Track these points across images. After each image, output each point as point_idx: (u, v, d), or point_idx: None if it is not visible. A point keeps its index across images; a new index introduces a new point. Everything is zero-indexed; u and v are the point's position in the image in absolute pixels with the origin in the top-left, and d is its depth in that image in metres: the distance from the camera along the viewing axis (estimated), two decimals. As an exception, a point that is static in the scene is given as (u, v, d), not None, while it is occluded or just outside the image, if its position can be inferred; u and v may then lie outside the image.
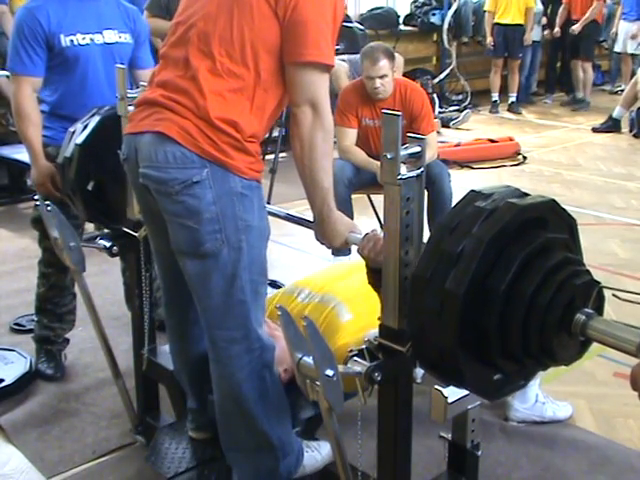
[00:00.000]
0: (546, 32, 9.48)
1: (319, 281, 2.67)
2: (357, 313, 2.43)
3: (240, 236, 1.95)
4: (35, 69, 2.86)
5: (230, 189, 1.92)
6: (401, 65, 6.51)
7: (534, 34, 9.10)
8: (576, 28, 8.93)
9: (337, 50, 7.31)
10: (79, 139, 2.53)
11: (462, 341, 1.44)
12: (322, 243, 2.06)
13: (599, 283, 1.50)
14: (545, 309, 1.42)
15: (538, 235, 1.47)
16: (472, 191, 1.53)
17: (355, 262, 2.85)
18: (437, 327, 1.46)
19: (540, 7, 9.13)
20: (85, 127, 2.56)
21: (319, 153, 1.94)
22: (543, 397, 2.84)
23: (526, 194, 1.54)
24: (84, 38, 2.88)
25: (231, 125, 1.91)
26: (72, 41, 2.86)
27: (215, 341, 2.06)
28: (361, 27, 7.97)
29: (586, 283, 1.48)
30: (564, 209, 1.55)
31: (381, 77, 4.03)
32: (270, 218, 2.10)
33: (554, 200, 1.54)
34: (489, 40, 8.77)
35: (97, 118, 2.57)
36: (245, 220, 1.95)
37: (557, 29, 9.20)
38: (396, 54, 4.79)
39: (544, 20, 9.47)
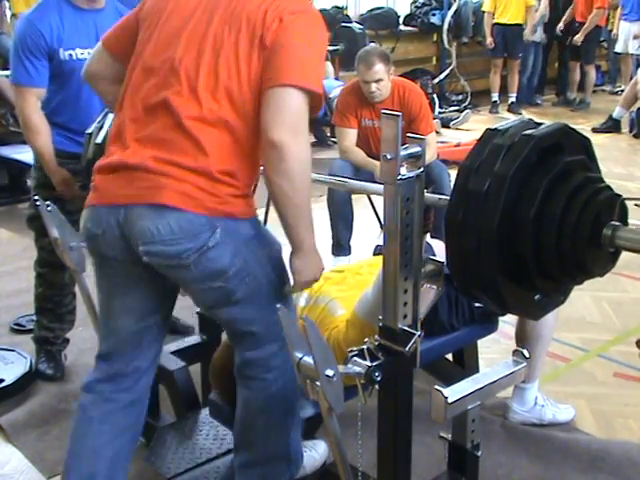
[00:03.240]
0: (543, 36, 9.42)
1: (315, 285, 2.67)
2: (350, 309, 2.43)
3: (266, 269, 1.93)
4: (40, 80, 2.85)
5: (244, 237, 1.88)
6: None
7: (536, 35, 9.08)
8: (578, 38, 8.81)
9: (337, 50, 7.40)
10: (98, 138, 2.53)
11: (502, 271, 1.55)
12: (296, 275, 1.94)
13: (620, 196, 1.61)
14: (574, 228, 1.53)
15: (556, 161, 1.56)
16: (488, 129, 1.61)
17: (350, 266, 2.85)
18: (477, 263, 1.56)
19: (537, 6, 9.08)
20: (101, 127, 2.56)
21: (306, 182, 1.82)
22: (542, 399, 2.82)
23: (540, 123, 1.63)
24: (82, 53, 2.87)
25: (230, 175, 1.83)
26: (70, 55, 2.86)
27: (253, 362, 2.00)
28: (361, 27, 7.97)
29: (608, 198, 1.59)
30: (577, 131, 1.64)
31: (377, 81, 4.03)
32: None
33: (566, 125, 1.63)
34: (489, 41, 8.74)
35: (111, 115, 2.57)
36: (264, 254, 1.94)
37: (560, 24, 9.13)
38: None
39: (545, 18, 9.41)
